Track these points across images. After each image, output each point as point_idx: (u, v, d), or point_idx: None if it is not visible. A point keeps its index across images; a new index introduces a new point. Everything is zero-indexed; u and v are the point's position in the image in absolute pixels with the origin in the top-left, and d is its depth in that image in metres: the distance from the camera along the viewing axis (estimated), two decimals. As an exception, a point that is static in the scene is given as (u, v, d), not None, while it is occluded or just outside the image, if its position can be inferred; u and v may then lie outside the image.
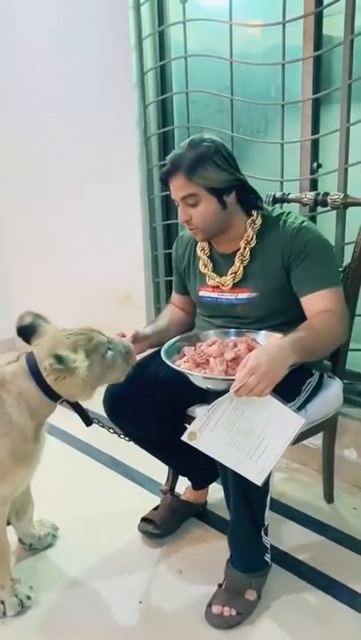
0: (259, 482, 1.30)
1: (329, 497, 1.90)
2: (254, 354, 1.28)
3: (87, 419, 1.52)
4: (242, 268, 1.53)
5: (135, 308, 2.67)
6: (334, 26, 1.86)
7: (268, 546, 1.51)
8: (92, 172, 2.66)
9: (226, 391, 1.30)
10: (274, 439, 1.29)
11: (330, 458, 1.86)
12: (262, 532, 1.47)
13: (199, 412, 1.56)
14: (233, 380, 1.28)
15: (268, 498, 1.46)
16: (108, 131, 2.52)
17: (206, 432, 1.31)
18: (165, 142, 2.45)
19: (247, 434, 1.30)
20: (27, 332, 1.43)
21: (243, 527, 1.45)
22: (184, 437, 1.33)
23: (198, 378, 1.36)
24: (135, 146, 2.43)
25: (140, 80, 2.35)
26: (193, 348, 1.48)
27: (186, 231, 1.69)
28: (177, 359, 1.45)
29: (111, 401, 1.61)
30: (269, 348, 1.31)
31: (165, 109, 2.42)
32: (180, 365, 1.41)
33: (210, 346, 1.44)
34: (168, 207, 2.54)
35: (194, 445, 1.32)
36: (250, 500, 1.41)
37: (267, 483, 1.40)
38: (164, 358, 1.43)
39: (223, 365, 1.38)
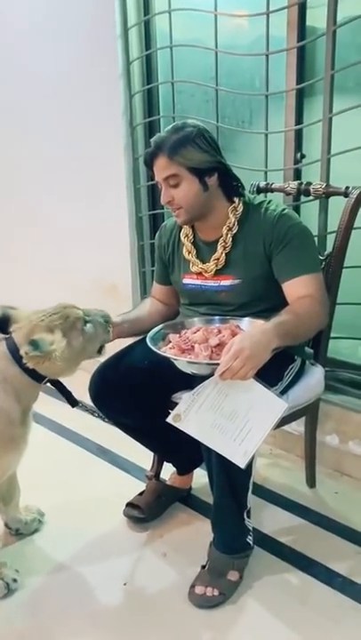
0: (242, 464, 1.33)
1: (311, 482, 1.94)
2: (238, 338, 1.30)
3: (72, 399, 1.54)
4: (224, 255, 1.56)
5: (122, 298, 2.67)
6: (318, 17, 1.87)
7: (251, 528, 1.54)
8: (77, 162, 2.66)
9: (211, 376, 1.32)
10: (257, 422, 1.32)
11: (312, 444, 1.90)
12: (245, 515, 1.51)
13: (185, 397, 1.59)
14: (217, 364, 1.30)
15: (251, 481, 1.49)
16: (93, 120, 2.52)
17: (191, 414, 1.34)
18: (151, 132, 2.44)
19: (231, 417, 1.33)
20: (1, 325, 1.43)
21: (226, 509, 1.48)
22: (169, 419, 1.35)
23: (183, 363, 1.38)
24: (121, 135, 2.43)
25: (126, 70, 2.35)
26: (178, 335, 1.50)
27: (170, 220, 1.71)
28: (162, 346, 1.48)
29: (97, 388, 1.63)
30: (253, 332, 1.34)
31: (151, 99, 2.42)
32: (166, 352, 1.43)
33: (194, 333, 1.46)
34: (154, 197, 2.54)
35: (178, 427, 1.35)
36: (233, 482, 1.44)
37: (250, 466, 1.44)
38: (149, 344, 1.45)
39: (208, 351, 1.40)
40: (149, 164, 1.54)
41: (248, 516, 1.52)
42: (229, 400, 1.32)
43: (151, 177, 1.65)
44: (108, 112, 2.44)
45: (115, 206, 2.56)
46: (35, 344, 1.32)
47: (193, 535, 1.73)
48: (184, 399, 1.36)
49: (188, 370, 1.41)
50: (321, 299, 1.51)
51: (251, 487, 1.50)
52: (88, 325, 1.44)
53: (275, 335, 1.32)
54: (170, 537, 1.74)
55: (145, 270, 2.62)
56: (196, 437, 1.35)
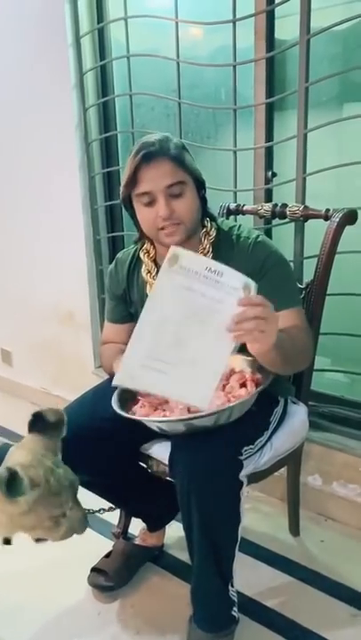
0: (204, 406, 1.13)
1: (295, 530, 1.77)
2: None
3: None
4: None
5: (80, 327, 2.47)
6: (286, 28, 1.74)
7: (236, 599, 1.35)
8: (27, 181, 2.45)
9: (189, 432, 1.15)
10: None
11: (295, 489, 1.73)
12: (229, 586, 1.32)
13: (155, 449, 1.40)
14: (192, 418, 1.13)
15: (237, 549, 1.30)
16: (44, 136, 2.31)
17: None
18: (108, 148, 2.27)
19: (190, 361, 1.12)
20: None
21: (208, 582, 1.29)
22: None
23: (154, 424, 1.20)
24: (75, 152, 2.24)
25: (79, 81, 2.16)
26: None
27: (124, 252, 1.53)
28: (132, 405, 1.28)
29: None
30: None
31: (107, 113, 2.24)
32: (136, 412, 1.24)
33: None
34: (113, 218, 2.36)
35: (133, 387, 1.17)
36: (217, 552, 1.25)
37: (235, 533, 1.26)
38: (116, 409, 1.25)
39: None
40: (148, 161, 1.28)
41: (232, 585, 1.33)
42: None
43: (121, 194, 1.37)
44: (61, 128, 2.24)
45: (70, 229, 2.35)
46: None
47: (168, 603, 1.53)
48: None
49: (164, 429, 1.22)
50: (307, 329, 1.37)
51: (236, 555, 1.31)
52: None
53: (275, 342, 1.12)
54: (142, 607, 1.53)
55: (105, 297, 2.40)
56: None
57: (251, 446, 1.30)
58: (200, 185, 1.37)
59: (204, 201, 1.40)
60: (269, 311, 1.07)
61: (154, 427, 1.24)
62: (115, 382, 1.19)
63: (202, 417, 1.15)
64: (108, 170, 2.27)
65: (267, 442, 1.39)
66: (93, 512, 1.46)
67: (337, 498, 1.83)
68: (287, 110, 1.84)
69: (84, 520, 1.21)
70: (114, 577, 1.57)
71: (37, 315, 2.59)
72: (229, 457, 1.21)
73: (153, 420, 1.21)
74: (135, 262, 1.50)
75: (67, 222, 2.36)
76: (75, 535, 1.21)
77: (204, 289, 1.08)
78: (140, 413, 1.25)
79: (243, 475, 1.26)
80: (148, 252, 1.46)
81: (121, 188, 1.37)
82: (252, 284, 1.09)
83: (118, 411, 1.24)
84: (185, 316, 1.10)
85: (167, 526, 1.69)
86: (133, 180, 1.31)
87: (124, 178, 1.35)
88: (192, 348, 1.10)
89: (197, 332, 1.09)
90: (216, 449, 1.19)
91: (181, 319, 1.10)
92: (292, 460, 1.65)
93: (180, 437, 1.24)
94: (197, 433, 1.20)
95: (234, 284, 1.08)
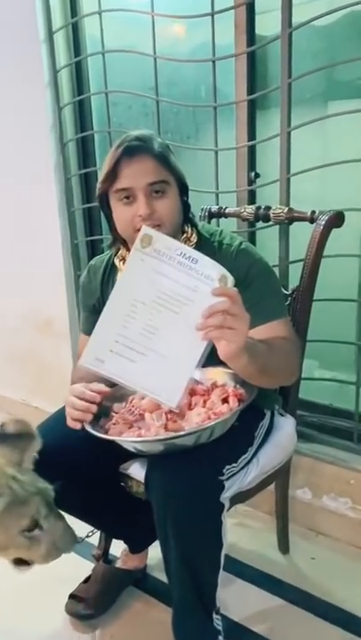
0: (173, 403, 1.06)
1: (284, 547, 1.69)
2: None
3: None
4: None
5: (59, 336, 2.37)
6: (268, 24, 1.66)
7: (220, 627, 1.26)
8: (1, 185, 2.35)
9: (166, 452, 1.07)
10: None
11: (283, 502, 1.65)
12: (213, 614, 1.23)
13: (134, 468, 1.31)
14: (171, 438, 1.05)
15: (220, 575, 1.21)
16: (18, 138, 2.22)
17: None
18: (85, 149, 2.18)
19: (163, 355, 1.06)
20: None
21: (190, 616, 1.20)
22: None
23: (129, 444, 1.10)
24: (50, 153, 2.14)
25: (53, 79, 2.07)
26: (124, 403, 1.21)
27: (97, 258, 1.45)
28: (105, 423, 1.19)
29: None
30: None
31: (83, 112, 2.15)
32: (110, 429, 1.15)
33: (143, 398, 1.18)
34: (91, 222, 2.27)
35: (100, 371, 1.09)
36: (198, 581, 1.17)
37: (218, 559, 1.18)
38: (87, 428, 1.16)
39: (162, 419, 1.13)
40: (130, 157, 1.20)
41: (217, 613, 1.24)
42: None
43: (99, 192, 1.28)
44: (35, 128, 2.15)
45: (46, 233, 2.26)
46: None
47: (151, 631, 1.44)
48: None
49: (138, 450, 1.13)
50: (294, 341, 1.28)
51: (219, 583, 1.22)
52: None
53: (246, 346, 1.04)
54: (123, 637, 1.44)
55: (83, 304, 2.32)
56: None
57: (234, 464, 1.21)
58: (183, 189, 1.29)
59: (186, 206, 1.31)
60: (240, 308, 1.00)
61: (129, 447, 1.15)
62: (80, 362, 1.11)
63: (182, 436, 1.06)
64: (85, 171, 2.18)
65: (252, 458, 1.31)
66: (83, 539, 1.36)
67: (327, 512, 1.75)
68: (270, 109, 1.77)
69: (69, 533, 1.11)
70: (93, 604, 1.48)
71: (14, 323, 2.48)
72: (209, 478, 1.12)
73: (129, 440, 1.12)
74: (110, 269, 1.41)
75: (43, 226, 2.26)
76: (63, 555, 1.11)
77: (178, 275, 1.03)
78: (113, 431, 1.16)
79: (225, 497, 1.18)
80: (123, 258, 1.37)
81: (98, 184, 1.28)
82: (230, 277, 1.03)
83: (90, 429, 1.15)
84: (156, 302, 1.04)
85: (150, 547, 1.60)
86: (113, 174, 1.22)
87: (102, 172, 1.25)
88: (163, 338, 1.04)
89: (169, 322, 1.04)
90: (194, 469, 1.10)
91: (152, 305, 1.04)
92: (281, 474, 1.57)
93: (157, 455, 1.15)
94: (175, 451, 1.11)
95: (209, 273, 1.03)
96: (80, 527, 1.31)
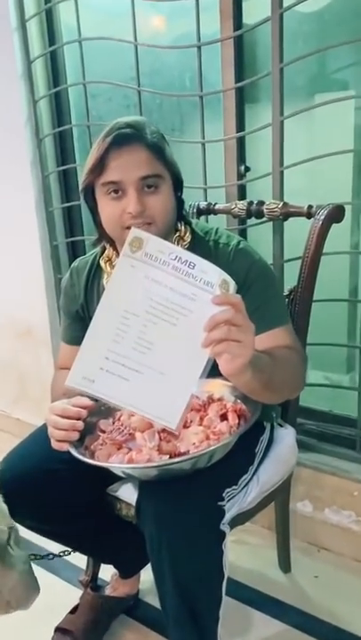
0: (173, 424, 0.95)
1: (285, 565, 1.59)
2: None
3: None
4: None
5: (39, 343, 2.24)
6: (255, 12, 1.56)
7: (223, 664, 1.15)
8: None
9: (159, 478, 0.96)
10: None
11: (284, 517, 1.54)
12: (214, 648, 1.12)
13: (123, 490, 1.20)
14: (167, 464, 0.94)
15: (222, 609, 1.10)
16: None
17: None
18: (63, 144, 2.06)
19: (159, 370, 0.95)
20: None
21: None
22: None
23: (119, 470, 0.99)
24: (26, 149, 2.01)
25: (27, 70, 1.94)
26: (111, 420, 1.09)
27: (80, 260, 1.32)
28: (91, 442, 1.07)
29: (6, 486, 1.17)
30: None
31: (60, 105, 2.03)
32: (96, 451, 1.03)
33: (133, 415, 1.06)
34: (71, 221, 2.15)
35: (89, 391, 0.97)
36: (197, 619, 1.05)
37: (219, 591, 1.07)
38: (72, 452, 1.04)
39: (155, 440, 1.02)
40: (118, 146, 1.08)
41: (219, 648, 1.14)
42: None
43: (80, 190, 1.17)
44: (8, 123, 2.02)
45: (23, 234, 2.13)
46: None
47: (146, 665, 1.33)
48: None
49: (129, 476, 1.02)
50: (299, 349, 1.18)
51: (221, 617, 1.11)
52: None
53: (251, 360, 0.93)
54: (115, 673, 1.32)
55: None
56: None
57: (234, 487, 1.11)
58: (178, 184, 1.17)
59: (179, 203, 1.20)
60: (244, 318, 0.89)
61: (118, 472, 1.03)
62: (67, 383, 0.98)
63: (178, 462, 0.95)
64: (64, 168, 2.06)
65: (252, 477, 1.20)
66: (41, 557, 1.23)
67: (330, 526, 1.65)
68: (259, 102, 1.67)
69: (22, 587, 0.98)
70: (82, 637, 1.35)
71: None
72: (208, 505, 1.01)
73: (119, 466, 1.00)
74: (95, 272, 1.29)
75: (19, 227, 2.14)
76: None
77: (173, 282, 0.91)
78: (100, 453, 1.04)
79: (225, 522, 1.06)
80: (109, 259, 1.25)
81: (83, 175, 1.15)
82: (232, 282, 0.92)
83: (74, 453, 1.03)
84: (150, 312, 0.92)
85: (142, 570, 1.48)
86: (100, 165, 1.09)
87: (88, 162, 1.12)
88: (159, 353, 0.93)
89: (165, 335, 0.92)
90: (192, 497, 0.99)
91: (146, 316, 0.92)
92: (283, 489, 1.46)
93: (149, 480, 1.04)
94: (170, 477, 1.00)
95: (208, 278, 0.91)
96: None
